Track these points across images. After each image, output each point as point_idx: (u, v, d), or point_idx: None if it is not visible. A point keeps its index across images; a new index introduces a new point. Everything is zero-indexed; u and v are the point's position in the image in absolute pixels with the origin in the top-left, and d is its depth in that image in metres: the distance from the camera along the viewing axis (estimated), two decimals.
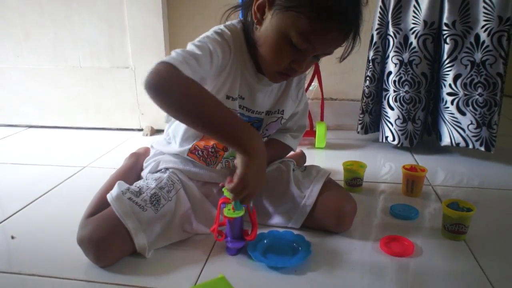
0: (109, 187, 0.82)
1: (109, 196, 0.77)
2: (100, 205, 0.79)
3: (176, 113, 0.66)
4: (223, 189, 0.78)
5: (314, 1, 0.65)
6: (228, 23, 0.80)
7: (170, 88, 0.63)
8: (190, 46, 0.71)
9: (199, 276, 0.71)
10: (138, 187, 0.80)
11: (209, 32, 0.76)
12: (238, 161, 0.68)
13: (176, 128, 0.89)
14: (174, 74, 0.63)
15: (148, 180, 0.84)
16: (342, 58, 0.76)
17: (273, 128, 0.91)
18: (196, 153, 0.87)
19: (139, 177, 0.94)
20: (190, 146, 0.86)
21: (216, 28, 0.78)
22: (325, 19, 0.66)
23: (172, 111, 0.65)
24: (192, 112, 0.64)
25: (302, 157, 1.21)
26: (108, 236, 0.72)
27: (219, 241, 0.79)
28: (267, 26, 0.72)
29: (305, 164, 1.07)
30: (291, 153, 1.18)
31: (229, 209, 0.76)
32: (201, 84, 0.66)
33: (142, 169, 0.96)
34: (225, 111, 0.68)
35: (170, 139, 0.92)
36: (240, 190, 0.70)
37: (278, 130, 0.96)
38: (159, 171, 0.88)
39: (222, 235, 0.77)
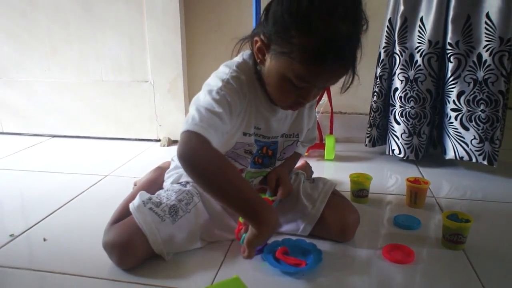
0: (132, 197, 0.88)
1: (131, 206, 0.83)
2: (124, 213, 0.85)
3: (204, 186, 0.71)
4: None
5: (304, 47, 0.65)
6: (240, 60, 0.82)
7: (200, 165, 0.68)
8: (207, 99, 0.73)
9: (215, 277, 0.77)
10: (159, 198, 0.86)
11: (223, 78, 0.77)
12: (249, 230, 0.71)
13: None
14: (203, 149, 0.68)
15: (168, 192, 0.89)
16: (343, 90, 0.76)
17: (290, 151, 0.96)
18: None
19: (161, 189, 0.99)
20: None
21: (229, 71, 0.78)
22: (318, 62, 0.66)
23: (200, 184, 0.72)
24: (217, 190, 0.70)
25: (308, 167, 1.26)
26: (129, 242, 0.78)
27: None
28: (269, 67, 0.74)
29: (313, 176, 1.13)
30: (297, 164, 1.23)
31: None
32: (224, 136, 0.74)
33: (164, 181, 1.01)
34: (247, 190, 0.70)
35: None
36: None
37: None
38: (180, 183, 0.93)
39: None
